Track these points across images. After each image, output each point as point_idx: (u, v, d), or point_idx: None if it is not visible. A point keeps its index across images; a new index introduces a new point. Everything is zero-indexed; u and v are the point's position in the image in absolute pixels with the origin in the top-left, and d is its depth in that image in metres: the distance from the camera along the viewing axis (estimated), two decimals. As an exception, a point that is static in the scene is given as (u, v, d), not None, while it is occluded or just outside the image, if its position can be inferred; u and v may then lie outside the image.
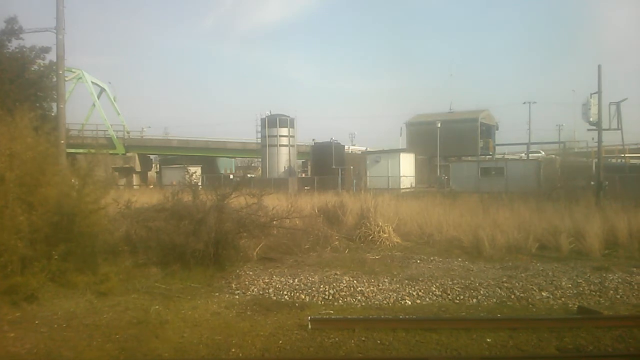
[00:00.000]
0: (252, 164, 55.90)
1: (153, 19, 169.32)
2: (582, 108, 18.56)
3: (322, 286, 8.37)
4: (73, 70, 49.34)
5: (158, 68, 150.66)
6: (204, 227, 8.67)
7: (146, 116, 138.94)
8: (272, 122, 38.85)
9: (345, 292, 8.19)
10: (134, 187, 42.95)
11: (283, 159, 39.05)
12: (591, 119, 18.41)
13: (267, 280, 8.77)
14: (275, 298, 8.12)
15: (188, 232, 8.77)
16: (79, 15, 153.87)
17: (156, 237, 9.16)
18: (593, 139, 22.45)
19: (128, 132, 52.50)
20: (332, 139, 37.95)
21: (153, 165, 56.96)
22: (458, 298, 8.06)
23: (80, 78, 48.90)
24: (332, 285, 8.38)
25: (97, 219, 8.86)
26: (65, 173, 10.35)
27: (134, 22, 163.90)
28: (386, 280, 8.80)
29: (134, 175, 48.42)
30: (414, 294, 8.18)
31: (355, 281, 8.62)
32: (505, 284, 8.45)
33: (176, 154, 52.74)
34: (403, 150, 37.33)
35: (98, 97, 52.54)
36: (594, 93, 17.73)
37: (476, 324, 6.62)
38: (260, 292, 8.33)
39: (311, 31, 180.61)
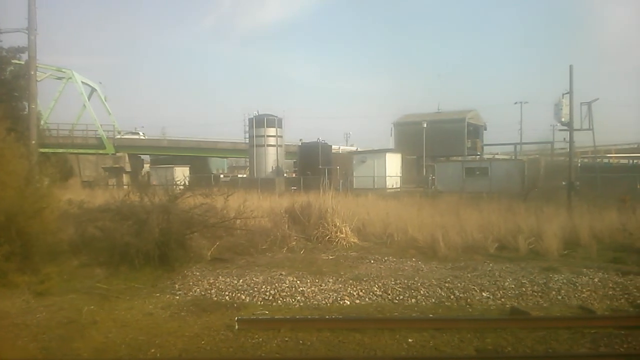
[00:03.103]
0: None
1: (152, 19, 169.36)
2: (554, 108, 18.60)
3: (264, 287, 8.37)
4: (63, 70, 49.54)
5: (157, 68, 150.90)
6: (147, 228, 8.68)
7: (145, 116, 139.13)
8: (259, 122, 38.81)
9: (287, 292, 8.19)
10: (124, 187, 43.01)
11: (271, 159, 39.02)
12: (563, 119, 18.44)
13: (211, 281, 8.77)
14: (216, 299, 8.11)
15: (133, 232, 8.78)
16: (78, 15, 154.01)
17: (104, 237, 9.16)
18: (565, 139, 22.47)
19: (119, 132, 52.52)
20: (318, 139, 37.98)
21: (145, 165, 56.93)
22: (397, 298, 8.07)
23: (70, 78, 48.88)
24: (274, 286, 8.38)
25: (43, 219, 8.86)
26: (19, 172, 10.34)
27: (133, 22, 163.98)
28: (331, 280, 8.80)
29: (124, 175, 48.36)
30: (355, 294, 8.19)
31: (298, 281, 8.63)
32: (447, 284, 8.45)
33: (167, 154, 52.75)
34: (389, 151, 37.26)
35: (89, 97, 52.63)
36: (566, 93, 17.74)
37: (402, 324, 6.62)
38: (202, 293, 8.32)
39: (311, 31, 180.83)
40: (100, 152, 48.24)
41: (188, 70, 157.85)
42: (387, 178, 34.27)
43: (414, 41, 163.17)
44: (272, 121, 38.93)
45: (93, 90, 53.01)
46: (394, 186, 33.77)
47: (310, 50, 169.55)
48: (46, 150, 46.24)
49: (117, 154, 49.03)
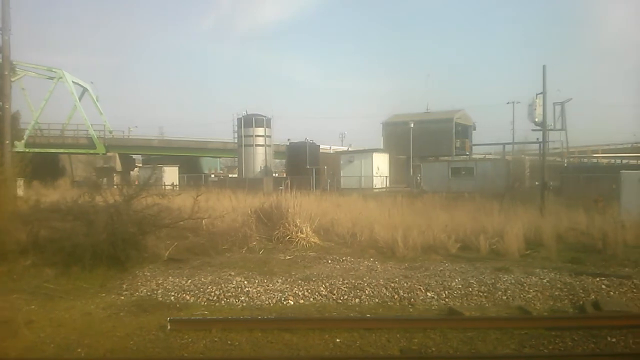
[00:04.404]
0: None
1: (152, 19, 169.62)
2: (528, 109, 18.61)
3: (210, 287, 8.39)
4: (54, 70, 49.52)
5: (157, 68, 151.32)
6: (95, 228, 8.70)
7: (144, 116, 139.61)
8: (248, 122, 38.86)
9: (232, 292, 8.20)
10: (114, 186, 43.04)
11: (259, 158, 39.08)
12: (536, 120, 18.45)
13: (160, 281, 8.79)
14: (161, 299, 8.11)
15: (82, 232, 8.80)
16: (77, 15, 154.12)
17: (57, 237, 9.18)
18: (537, 138, 22.43)
19: (111, 132, 52.53)
20: (306, 138, 38.00)
21: (137, 165, 56.97)
22: (342, 298, 8.08)
23: (61, 78, 48.87)
24: (220, 286, 8.39)
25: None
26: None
27: (132, 22, 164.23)
28: (280, 280, 8.82)
29: (114, 175, 48.40)
30: (300, 294, 8.19)
31: (246, 282, 8.65)
32: (393, 285, 8.45)
33: (159, 153, 52.83)
34: (376, 150, 37.30)
35: (81, 97, 52.67)
36: (539, 93, 17.77)
37: (335, 324, 6.62)
38: (149, 293, 8.33)
39: (311, 31, 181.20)
40: (91, 152, 48.32)
41: (188, 70, 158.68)
42: (373, 178, 34.30)
43: (414, 41, 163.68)
44: (260, 121, 38.97)
45: (85, 90, 52.99)
46: (380, 186, 33.79)
47: (310, 50, 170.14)
48: (35, 150, 46.53)
49: (108, 153, 49.07)
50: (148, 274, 9.28)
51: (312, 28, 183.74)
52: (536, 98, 17.70)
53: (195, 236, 12.16)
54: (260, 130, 38.93)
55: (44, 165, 43.69)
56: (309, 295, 8.17)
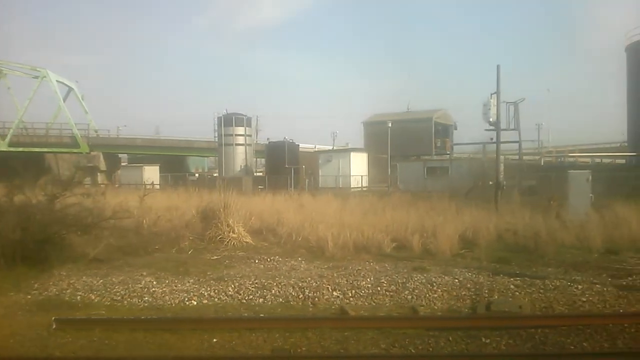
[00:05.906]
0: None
1: (150, 19, 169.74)
2: (483, 108, 18.67)
3: (117, 287, 8.44)
4: (38, 69, 49.56)
5: (154, 67, 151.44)
6: (7, 228, 8.75)
7: (142, 116, 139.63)
8: (228, 121, 38.90)
9: (137, 292, 8.24)
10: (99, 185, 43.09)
11: (239, 158, 39.11)
12: (491, 119, 18.52)
13: (72, 281, 8.84)
14: (67, 299, 8.15)
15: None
16: (74, 14, 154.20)
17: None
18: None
19: (96, 131, 52.61)
20: (285, 138, 38.03)
21: (123, 164, 56.98)
22: (247, 298, 8.11)
23: (45, 77, 48.90)
24: (127, 286, 8.45)
25: None
26: None
27: (131, 21, 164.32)
28: (191, 280, 8.87)
29: (98, 174, 48.42)
30: (206, 294, 8.23)
31: (155, 282, 8.70)
32: (302, 284, 8.49)
33: (144, 152, 52.87)
34: (354, 150, 37.39)
35: (67, 96, 52.78)
36: (493, 93, 17.85)
37: (219, 325, 6.66)
38: (57, 293, 8.37)
39: (310, 32, 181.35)
40: (74, 151, 48.35)
41: (186, 69, 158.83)
42: (351, 177, 34.34)
43: (414, 41, 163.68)
44: (240, 120, 39.01)
45: (70, 89, 53.07)
46: (358, 185, 33.83)
47: (310, 50, 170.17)
48: (19, 149, 46.55)
49: (92, 152, 49.11)
50: (64, 273, 9.33)
51: (312, 28, 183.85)
52: (490, 98, 17.79)
53: (136, 235, 12.21)
54: (240, 130, 38.97)
55: (29, 164, 43.82)
56: (215, 295, 8.21)
